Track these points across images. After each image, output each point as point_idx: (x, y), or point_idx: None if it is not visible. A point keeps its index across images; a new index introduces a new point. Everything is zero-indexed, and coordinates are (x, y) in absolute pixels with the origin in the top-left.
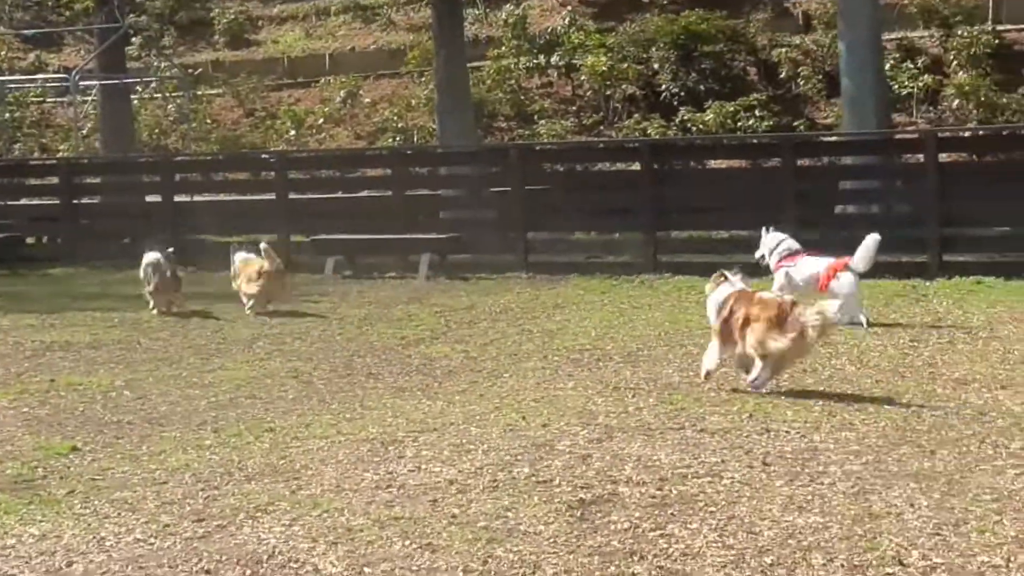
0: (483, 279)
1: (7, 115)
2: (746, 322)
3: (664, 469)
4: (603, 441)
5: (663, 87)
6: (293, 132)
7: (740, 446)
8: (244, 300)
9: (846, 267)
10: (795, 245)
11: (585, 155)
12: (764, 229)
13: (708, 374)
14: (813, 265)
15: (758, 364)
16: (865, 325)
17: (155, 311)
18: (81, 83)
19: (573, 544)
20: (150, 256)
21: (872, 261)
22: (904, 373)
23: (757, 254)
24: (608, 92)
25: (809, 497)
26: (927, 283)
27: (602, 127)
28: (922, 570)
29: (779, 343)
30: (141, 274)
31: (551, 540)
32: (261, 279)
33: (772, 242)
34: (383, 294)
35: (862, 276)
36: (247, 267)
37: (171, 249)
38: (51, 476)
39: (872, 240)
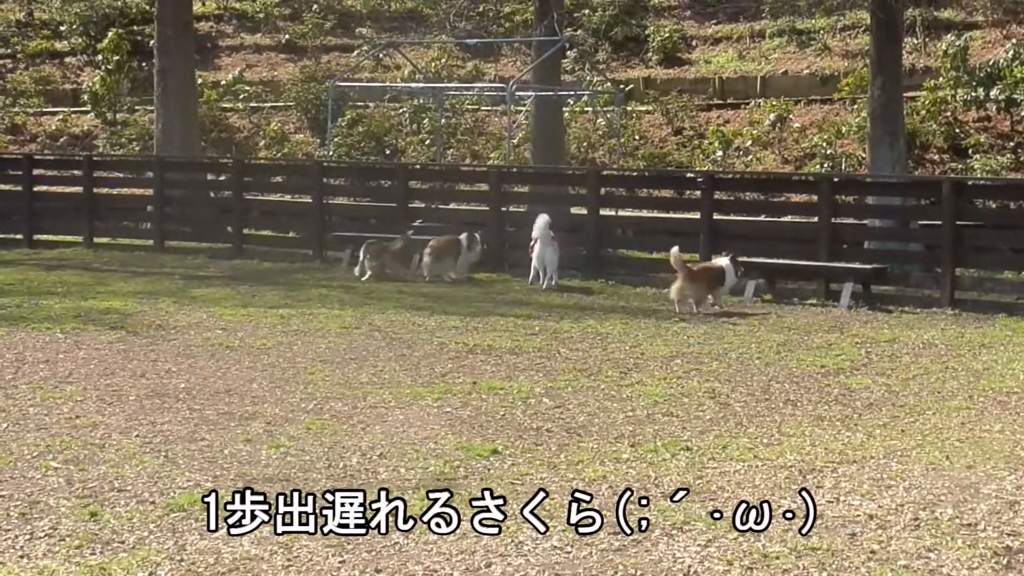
0: (906, 313)
1: (442, 121)
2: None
3: None
4: None
5: None
6: (720, 153)
7: None
8: None
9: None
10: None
11: (1021, 193)
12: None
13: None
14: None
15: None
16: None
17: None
18: (516, 93)
19: None
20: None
21: (545, 232)
22: None
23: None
24: None
25: None
26: None
27: None
28: None
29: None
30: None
31: None
32: None
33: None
34: (803, 320)
35: None
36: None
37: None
38: (471, 477)
39: (541, 219)
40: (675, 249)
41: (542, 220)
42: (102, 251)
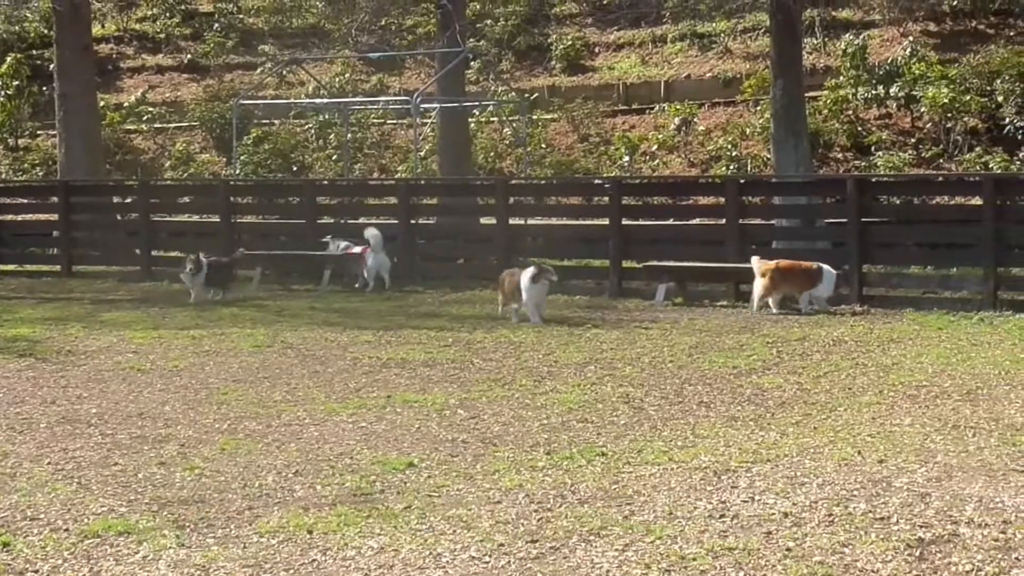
0: (816, 310)
1: (348, 136)
2: None
3: (1008, 512)
4: (942, 480)
5: (1007, 120)
6: (627, 158)
7: None
8: None
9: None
10: (353, 245)
11: (924, 188)
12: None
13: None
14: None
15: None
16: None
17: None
18: (421, 106)
19: None
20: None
21: (380, 243)
22: None
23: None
24: (949, 125)
25: None
26: None
27: (941, 160)
28: None
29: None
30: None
31: None
32: None
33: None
34: (714, 322)
35: None
36: None
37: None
38: (388, 491)
39: (370, 233)
40: (754, 259)
41: (376, 231)
42: (8, 279)
